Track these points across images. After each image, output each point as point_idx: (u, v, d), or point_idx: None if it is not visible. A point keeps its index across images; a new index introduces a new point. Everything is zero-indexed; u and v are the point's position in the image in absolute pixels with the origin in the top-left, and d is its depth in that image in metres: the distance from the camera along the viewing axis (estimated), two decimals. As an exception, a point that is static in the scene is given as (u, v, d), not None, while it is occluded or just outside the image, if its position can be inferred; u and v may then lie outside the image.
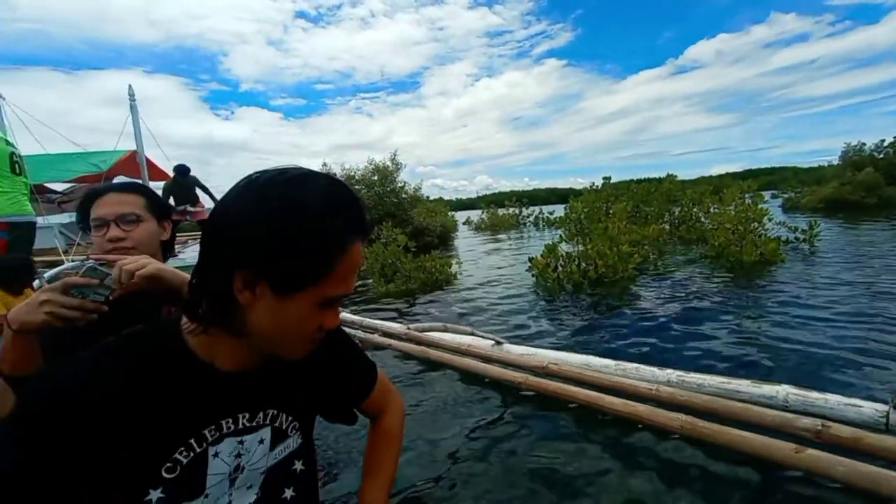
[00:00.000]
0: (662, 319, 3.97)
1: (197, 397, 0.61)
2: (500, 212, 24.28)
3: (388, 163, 14.78)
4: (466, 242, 16.21)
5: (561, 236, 6.32)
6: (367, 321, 3.67)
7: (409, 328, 2.90)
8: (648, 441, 1.90)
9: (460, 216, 27.63)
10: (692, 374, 2.04)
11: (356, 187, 13.95)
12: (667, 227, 12.07)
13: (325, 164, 14.56)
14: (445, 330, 2.98)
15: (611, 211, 9.39)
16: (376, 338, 2.64)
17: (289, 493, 0.74)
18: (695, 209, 11.50)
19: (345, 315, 4.06)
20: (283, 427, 0.71)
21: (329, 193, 0.55)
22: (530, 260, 6.35)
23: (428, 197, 18.32)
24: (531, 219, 23.03)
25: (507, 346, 2.86)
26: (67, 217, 8.19)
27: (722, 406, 1.68)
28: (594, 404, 1.39)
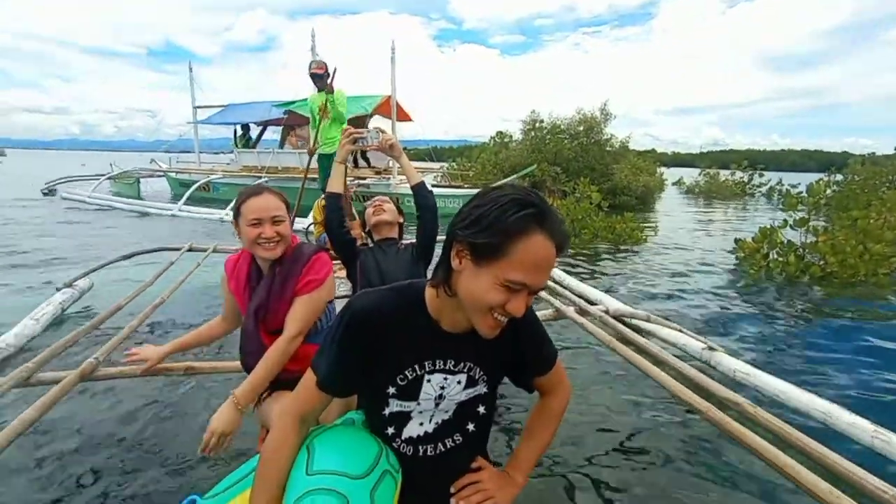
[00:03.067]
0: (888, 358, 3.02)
1: (424, 340, 0.90)
2: (723, 175, 20.55)
3: (597, 113, 14.21)
4: (671, 208, 14.77)
5: (785, 220, 5.46)
6: (571, 290, 3.43)
7: (608, 310, 2.62)
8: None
9: (672, 174, 24.52)
10: None
11: (559, 136, 14.08)
12: None
13: (533, 111, 14.91)
14: (649, 320, 2.69)
15: (884, 195, 7.29)
16: (571, 312, 2.46)
17: (471, 426, 1.00)
18: None
19: (557, 272, 4.12)
20: (475, 376, 0.95)
21: (516, 196, 0.74)
22: (737, 241, 5.79)
23: (636, 151, 16.92)
24: (763, 189, 18.90)
25: (720, 356, 2.45)
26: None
27: None
28: (785, 472, 1.07)
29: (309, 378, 0.90)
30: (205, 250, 3.68)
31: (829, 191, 12.32)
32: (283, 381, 1.34)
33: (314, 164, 4.79)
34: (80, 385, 1.68)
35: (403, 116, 11.05)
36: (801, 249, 5.27)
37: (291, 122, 11.63)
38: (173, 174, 13.35)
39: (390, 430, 0.94)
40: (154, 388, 2.28)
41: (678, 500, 1.68)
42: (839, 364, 2.94)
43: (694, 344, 2.55)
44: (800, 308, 4.20)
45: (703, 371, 1.76)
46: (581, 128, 14.11)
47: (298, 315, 1.33)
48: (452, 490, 0.97)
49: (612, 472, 1.80)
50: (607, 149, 14.21)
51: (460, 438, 0.99)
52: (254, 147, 12.41)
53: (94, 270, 3.49)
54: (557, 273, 4.08)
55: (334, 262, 1.73)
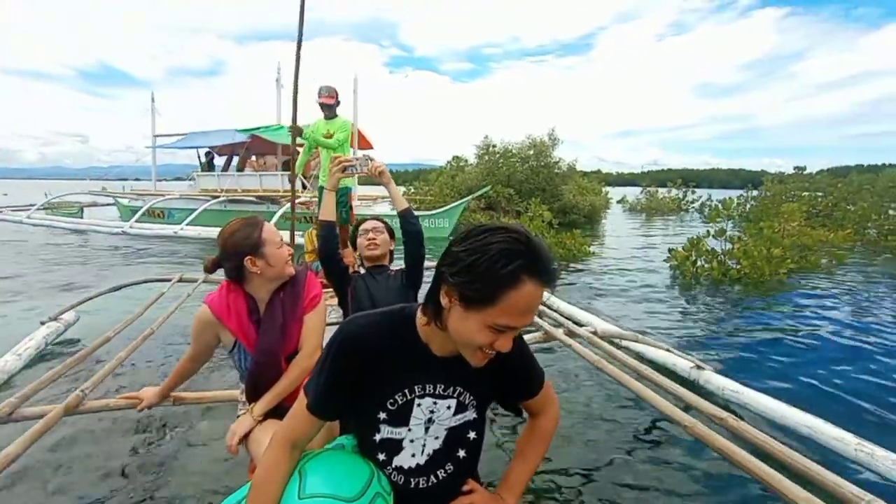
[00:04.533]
0: (797, 337, 3.76)
1: (414, 364, 0.91)
2: (661, 193, 22.47)
3: (546, 138, 15.29)
4: (615, 224, 15.95)
5: (708, 231, 6.32)
6: (559, 312, 3.47)
7: (596, 331, 2.62)
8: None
9: (616, 193, 26.34)
10: None
11: (511, 160, 14.97)
12: (872, 233, 10.13)
13: (486, 136, 15.78)
14: (637, 340, 2.70)
15: (784, 208, 8.51)
16: (559, 334, 2.46)
17: (462, 453, 0.99)
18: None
19: (544, 295, 4.22)
20: (465, 402, 0.95)
21: (505, 246, 0.72)
22: (670, 251, 6.58)
23: (583, 172, 18.23)
24: (696, 205, 20.85)
25: (708, 375, 2.49)
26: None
27: None
28: (771, 486, 1.11)
29: (301, 402, 0.91)
30: (195, 281, 3.71)
31: (748, 205, 13.97)
32: (279, 411, 1.35)
33: (303, 192, 4.64)
34: (64, 418, 1.64)
35: (365, 144, 11.48)
36: (721, 256, 6.11)
37: (255, 146, 11.73)
38: (125, 200, 12.92)
39: (381, 457, 0.94)
40: (140, 419, 2.24)
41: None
42: (749, 346, 3.60)
43: (682, 363, 2.60)
44: (722, 305, 4.92)
45: (691, 390, 1.81)
46: (531, 152, 15.10)
47: (315, 330, 1.43)
48: None
49: (599, 491, 1.82)
50: (556, 171, 15.25)
51: (452, 467, 0.99)
52: (224, 171, 12.41)
53: (80, 303, 3.47)
54: (545, 296, 4.11)
55: (326, 289, 1.79)
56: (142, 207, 11.29)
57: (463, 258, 0.74)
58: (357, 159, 1.89)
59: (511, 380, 1.00)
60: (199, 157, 12.57)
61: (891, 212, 10.41)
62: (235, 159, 12.57)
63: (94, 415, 1.91)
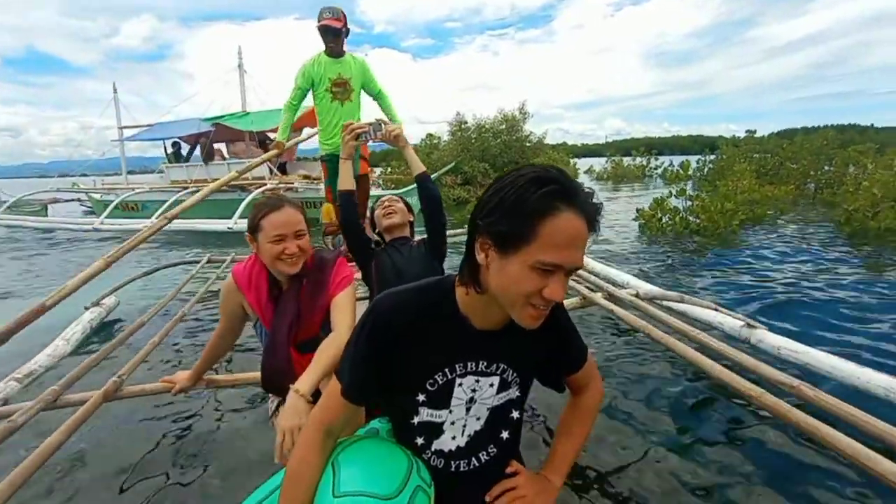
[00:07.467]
0: (739, 275, 4.42)
1: (455, 341, 0.85)
2: (626, 161, 23.44)
3: (517, 112, 15.64)
4: (585, 192, 16.63)
5: (670, 192, 6.96)
6: (596, 274, 3.25)
7: (637, 294, 2.48)
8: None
9: (583, 164, 27.16)
10: None
11: (485, 135, 15.27)
12: (811, 187, 11.16)
13: (458, 113, 15.98)
14: (682, 301, 2.54)
15: (736, 169, 9.31)
16: (599, 298, 2.32)
17: (505, 434, 0.95)
18: (852, 170, 10.40)
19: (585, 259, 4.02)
20: (508, 379, 0.90)
21: (535, 174, 0.69)
22: (638, 211, 7.20)
23: (550, 143, 18.80)
24: (659, 171, 21.91)
25: (761, 333, 2.24)
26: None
27: None
28: (860, 462, 0.98)
29: (333, 387, 0.87)
30: (223, 261, 3.91)
31: (706, 168, 14.94)
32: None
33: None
34: (105, 404, 1.69)
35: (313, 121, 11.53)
36: (683, 212, 6.77)
37: (221, 135, 11.56)
38: (97, 195, 12.54)
39: (420, 441, 0.90)
40: (175, 403, 2.18)
41: (734, 502, 1.47)
42: (710, 281, 4.27)
43: (732, 322, 2.40)
44: (685, 253, 5.57)
45: (745, 351, 1.62)
46: (503, 126, 15.44)
47: (346, 310, 1.32)
48: (487, 499, 0.91)
49: (655, 471, 1.62)
50: (527, 144, 15.69)
51: (495, 450, 0.95)
52: (187, 161, 12.18)
53: (118, 288, 3.57)
54: (587, 260, 3.79)
55: (350, 264, 1.66)
56: (113, 202, 11.06)
57: (492, 199, 0.72)
58: (370, 124, 1.76)
59: (554, 352, 0.96)
60: (165, 149, 12.28)
61: (826, 167, 11.48)
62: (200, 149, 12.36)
63: (131, 399, 1.88)
